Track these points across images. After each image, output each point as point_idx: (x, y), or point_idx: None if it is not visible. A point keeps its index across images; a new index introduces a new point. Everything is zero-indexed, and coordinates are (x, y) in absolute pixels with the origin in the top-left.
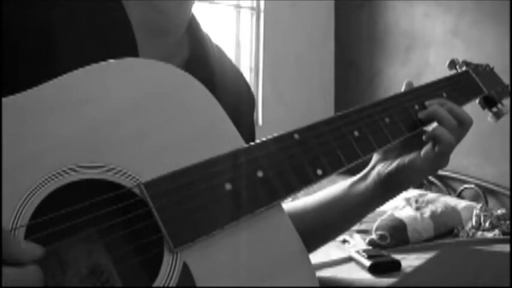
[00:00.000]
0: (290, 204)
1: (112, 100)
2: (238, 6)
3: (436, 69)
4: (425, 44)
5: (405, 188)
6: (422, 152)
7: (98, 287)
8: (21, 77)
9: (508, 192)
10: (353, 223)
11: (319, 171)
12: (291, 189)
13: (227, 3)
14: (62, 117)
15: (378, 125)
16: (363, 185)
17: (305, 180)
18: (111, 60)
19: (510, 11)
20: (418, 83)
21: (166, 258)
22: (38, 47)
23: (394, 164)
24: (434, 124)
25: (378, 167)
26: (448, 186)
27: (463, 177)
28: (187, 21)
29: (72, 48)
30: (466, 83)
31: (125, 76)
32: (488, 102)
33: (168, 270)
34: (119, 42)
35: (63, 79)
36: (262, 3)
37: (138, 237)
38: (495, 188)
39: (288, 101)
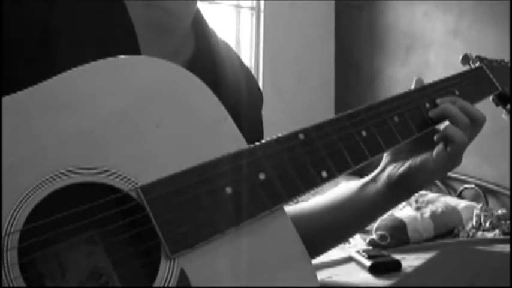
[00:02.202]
0: (297, 206)
1: (109, 99)
2: (238, 6)
3: (437, 69)
4: (426, 44)
5: (418, 190)
6: (434, 152)
7: (97, 287)
8: (20, 77)
9: (508, 192)
10: (363, 226)
11: (324, 174)
12: (294, 193)
13: (227, 3)
14: (58, 118)
15: (386, 124)
16: (373, 188)
17: (309, 182)
18: (110, 58)
19: (510, 11)
20: None
21: (163, 265)
22: (36, 47)
23: (406, 166)
24: (446, 123)
25: (388, 169)
26: (448, 186)
27: (463, 177)
28: (191, 18)
29: (72, 48)
30: (480, 80)
31: (123, 74)
32: (503, 100)
33: (165, 277)
34: (120, 42)
35: (59, 78)
36: (262, 3)
37: (137, 241)
38: (495, 188)
39: (288, 101)
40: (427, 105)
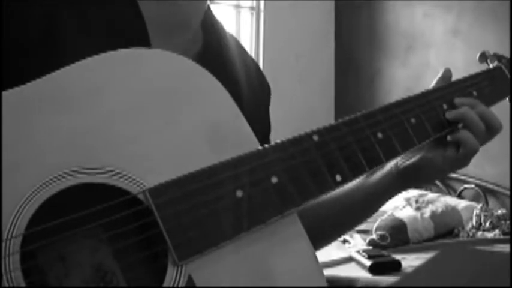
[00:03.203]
0: None
1: (118, 94)
2: (238, 6)
3: (437, 70)
4: (426, 44)
5: (422, 184)
6: (445, 153)
7: (102, 287)
8: (25, 74)
9: (508, 192)
10: (369, 213)
11: (338, 177)
12: (307, 197)
13: (227, 3)
14: (63, 114)
15: (403, 126)
16: (378, 175)
17: (323, 186)
18: (120, 50)
19: (510, 11)
20: (418, 83)
21: (170, 271)
22: (42, 43)
23: (414, 160)
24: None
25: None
26: (448, 186)
27: (463, 177)
28: (202, 15)
29: (80, 44)
30: (498, 80)
31: (134, 67)
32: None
33: (172, 284)
34: (131, 37)
35: (65, 71)
36: (262, 3)
37: (145, 245)
38: (495, 188)
39: (288, 101)
40: (445, 106)
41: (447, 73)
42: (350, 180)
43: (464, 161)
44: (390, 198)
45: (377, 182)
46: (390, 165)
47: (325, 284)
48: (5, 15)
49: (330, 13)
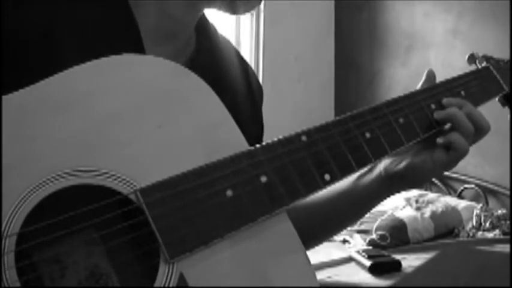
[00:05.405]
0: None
1: (111, 98)
2: None
3: (437, 70)
4: (425, 44)
5: (412, 187)
6: (435, 155)
7: (97, 287)
8: (23, 78)
9: (508, 192)
10: (360, 215)
11: (327, 177)
12: (296, 196)
13: None
14: (56, 118)
15: (391, 126)
16: (368, 178)
17: (311, 186)
18: (113, 56)
19: (510, 11)
20: (418, 83)
21: (162, 269)
22: (39, 48)
23: (404, 164)
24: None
25: (385, 161)
26: (448, 186)
27: (463, 177)
28: (196, 22)
29: (75, 50)
30: (486, 80)
31: (126, 73)
32: (509, 100)
33: (164, 281)
34: (125, 44)
35: (59, 77)
36: (262, 3)
37: (137, 245)
38: (495, 188)
39: (288, 101)
40: (433, 106)
41: (430, 73)
42: (339, 179)
43: (453, 163)
44: (380, 202)
45: (366, 186)
46: (379, 169)
47: (317, 280)
48: (4, 19)
49: (330, 13)
